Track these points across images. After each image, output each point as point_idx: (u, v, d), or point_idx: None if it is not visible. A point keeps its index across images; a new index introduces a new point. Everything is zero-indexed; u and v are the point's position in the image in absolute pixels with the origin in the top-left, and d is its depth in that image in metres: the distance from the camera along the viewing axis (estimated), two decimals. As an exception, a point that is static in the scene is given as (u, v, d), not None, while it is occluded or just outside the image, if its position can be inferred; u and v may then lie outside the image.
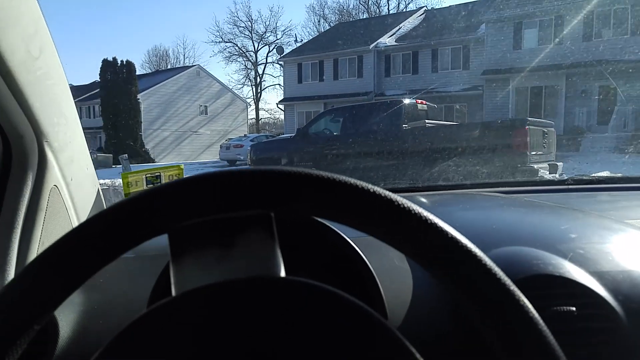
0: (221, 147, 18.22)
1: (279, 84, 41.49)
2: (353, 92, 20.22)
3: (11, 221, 0.68)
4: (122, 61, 26.27)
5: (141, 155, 24.82)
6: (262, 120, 40.12)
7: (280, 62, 23.91)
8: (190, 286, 0.33)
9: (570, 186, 1.29)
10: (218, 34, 48.99)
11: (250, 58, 38.33)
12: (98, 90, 26.72)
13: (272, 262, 0.35)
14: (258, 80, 38.83)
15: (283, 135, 15.37)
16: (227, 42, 37.90)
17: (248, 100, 36.74)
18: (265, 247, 0.35)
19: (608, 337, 0.55)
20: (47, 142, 0.74)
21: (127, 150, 23.86)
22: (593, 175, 1.65)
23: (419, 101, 7.73)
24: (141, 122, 26.71)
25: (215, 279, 0.32)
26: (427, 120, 7.06)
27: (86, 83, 32.26)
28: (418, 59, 20.24)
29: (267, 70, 40.95)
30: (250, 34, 38.27)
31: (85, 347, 0.60)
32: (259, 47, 38.16)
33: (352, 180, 0.32)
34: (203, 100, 32.15)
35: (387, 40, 21.14)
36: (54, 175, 0.77)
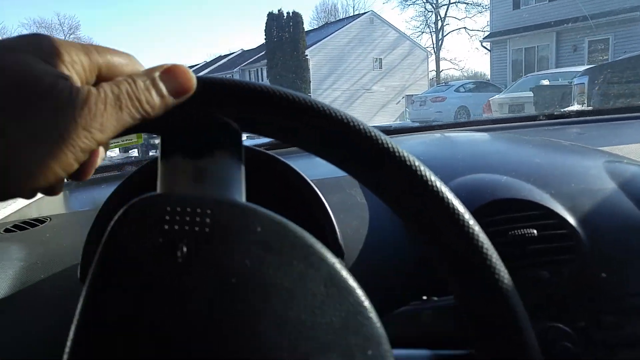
0: (413, 102, 13.21)
1: (465, 27, 34.79)
2: (608, 9, 13.17)
3: None
4: (288, 13, 23.14)
5: (310, 119, 21.70)
6: (443, 71, 34.18)
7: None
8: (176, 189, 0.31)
9: (543, 121, 1.33)
10: (391, -24, 43.13)
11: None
12: (264, 52, 24.23)
13: (236, 188, 0.32)
14: (440, 24, 32.73)
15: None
16: (402, -18, 32.39)
17: (428, 49, 31.07)
18: (231, 172, 0.33)
19: (569, 255, 0.56)
20: None
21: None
22: (564, 110, 1.52)
23: None
24: (310, 81, 23.48)
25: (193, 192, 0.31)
26: None
27: (253, 47, 30.60)
28: None
29: (450, 12, 34.28)
30: (429, -30, 32.17)
31: (23, 302, 0.59)
32: (441, -15, 31.87)
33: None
34: (377, 52, 27.61)
35: None
36: None
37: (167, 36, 70.63)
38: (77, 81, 0.28)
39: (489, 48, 16.63)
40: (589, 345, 0.54)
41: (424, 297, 0.39)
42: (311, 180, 0.58)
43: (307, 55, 23.42)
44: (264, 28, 23.35)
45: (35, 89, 0.25)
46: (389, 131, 1.23)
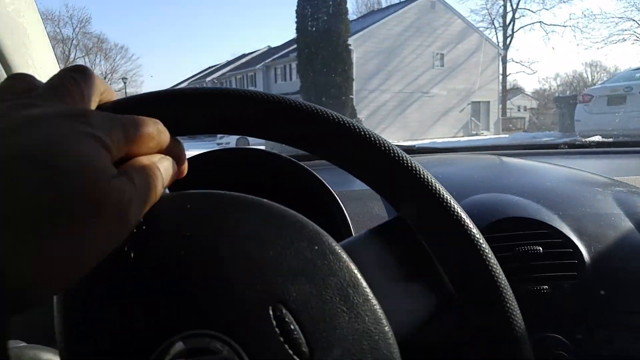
0: (590, 99, 5.67)
1: (540, 22, 28.53)
2: None
3: None
4: (327, -11, 17.54)
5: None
6: (510, 75, 27.94)
7: None
8: None
9: (564, 149, 1.40)
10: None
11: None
12: (295, 45, 18.71)
13: None
14: (510, 17, 26.57)
15: None
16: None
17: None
18: None
19: (571, 272, 0.60)
20: None
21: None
22: (585, 140, 1.54)
23: None
24: (353, 79, 17.76)
25: None
26: None
27: (281, 43, 25.32)
28: None
29: (522, 5, 27.96)
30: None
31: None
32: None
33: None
34: (439, 45, 21.71)
35: None
36: None
37: (188, 34, 66.49)
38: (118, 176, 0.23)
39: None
40: (582, 356, 0.58)
41: None
42: (334, 191, 0.63)
43: (350, 45, 17.72)
44: (295, 9, 17.80)
45: (95, 199, 0.21)
46: (412, 151, 1.26)
